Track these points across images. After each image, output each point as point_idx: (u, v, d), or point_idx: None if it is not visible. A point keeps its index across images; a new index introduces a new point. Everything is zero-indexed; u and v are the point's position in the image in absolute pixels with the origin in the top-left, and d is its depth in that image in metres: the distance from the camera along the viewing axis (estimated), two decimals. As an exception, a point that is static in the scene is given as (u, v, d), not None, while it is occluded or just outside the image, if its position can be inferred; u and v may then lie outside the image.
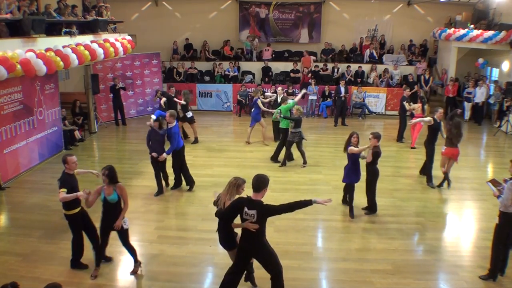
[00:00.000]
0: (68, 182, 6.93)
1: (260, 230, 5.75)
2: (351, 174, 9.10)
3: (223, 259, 7.22)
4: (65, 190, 6.78)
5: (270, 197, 9.96)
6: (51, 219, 8.97)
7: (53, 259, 7.46)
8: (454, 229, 8.82)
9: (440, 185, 10.80)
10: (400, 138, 14.79)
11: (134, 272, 7.08)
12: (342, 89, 17.26)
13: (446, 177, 10.63)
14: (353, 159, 8.98)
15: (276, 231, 8.24)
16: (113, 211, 6.79)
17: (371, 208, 9.33)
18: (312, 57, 19.99)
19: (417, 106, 13.83)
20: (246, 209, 5.71)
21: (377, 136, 8.90)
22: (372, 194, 9.27)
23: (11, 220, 9.40)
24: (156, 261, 7.48)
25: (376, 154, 8.90)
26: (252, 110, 14.35)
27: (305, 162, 12.21)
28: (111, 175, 6.72)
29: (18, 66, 9.50)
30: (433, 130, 10.82)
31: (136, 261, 7.16)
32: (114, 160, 13.19)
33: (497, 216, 6.84)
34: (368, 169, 9.11)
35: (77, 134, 14.55)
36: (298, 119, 11.86)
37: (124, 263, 7.47)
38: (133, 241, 8.13)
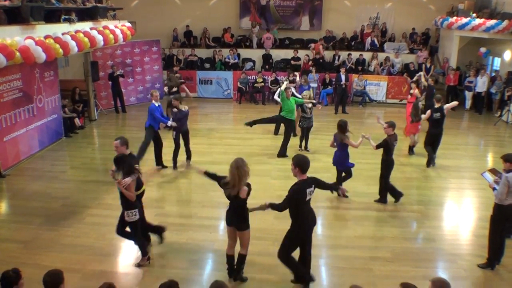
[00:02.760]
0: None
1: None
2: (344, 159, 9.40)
3: (224, 245, 7.23)
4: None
5: (270, 185, 10.03)
6: (51, 206, 9.01)
7: (54, 246, 7.50)
8: (453, 218, 8.85)
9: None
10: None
11: (138, 265, 7.06)
12: (343, 77, 17.22)
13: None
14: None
15: (276, 218, 8.23)
16: None
17: (382, 199, 9.37)
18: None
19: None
20: (309, 189, 5.92)
21: (391, 125, 9.12)
22: (384, 185, 9.31)
23: (12, 207, 9.43)
24: (157, 248, 7.51)
25: (386, 143, 9.00)
26: None
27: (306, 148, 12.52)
28: None
29: (17, 53, 9.44)
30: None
31: (145, 255, 7.08)
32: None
33: (492, 208, 6.89)
34: (383, 160, 9.23)
35: (77, 121, 14.54)
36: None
37: (125, 250, 7.50)
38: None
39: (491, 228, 6.95)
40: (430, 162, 11.40)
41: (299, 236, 6.16)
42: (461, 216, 8.95)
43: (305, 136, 12.51)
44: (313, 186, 5.97)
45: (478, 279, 6.81)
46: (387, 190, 9.31)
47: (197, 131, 14.33)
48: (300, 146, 12.54)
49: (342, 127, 9.19)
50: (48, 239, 7.72)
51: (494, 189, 6.88)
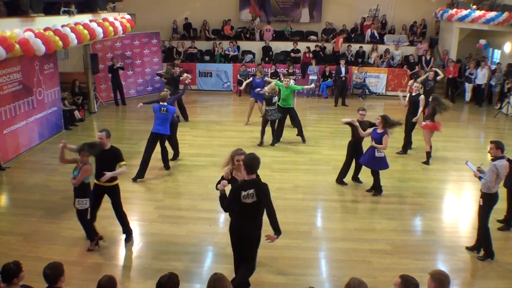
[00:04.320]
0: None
1: (259, 212, 5.68)
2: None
3: (223, 238, 7.26)
4: None
5: (269, 178, 9.96)
6: (51, 199, 9.02)
7: (54, 239, 7.51)
8: (453, 210, 8.87)
9: (426, 163, 11.12)
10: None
11: (89, 250, 7.20)
12: (343, 69, 17.19)
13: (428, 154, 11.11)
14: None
15: (276, 211, 8.25)
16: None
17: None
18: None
19: (411, 83, 13.82)
20: (243, 192, 5.47)
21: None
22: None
23: (12, 200, 9.44)
24: (156, 241, 7.53)
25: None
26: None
27: (261, 143, 12.27)
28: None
29: (17, 45, 9.42)
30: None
31: (93, 240, 7.23)
32: (114, 140, 12.98)
33: (480, 197, 6.99)
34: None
35: (77, 114, 14.53)
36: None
37: (123, 242, 7.52)
38: (133, 220, 8.24)
39: (481, 218, 7.04)
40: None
41: (230, 234, 5.87)
42: (460, 209, 8.97)
43: (263, 129, 12.22)
44: (252, 189, 5.47)
45: (477, 271, 6.85)
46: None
47: (197, 124, 14.35)
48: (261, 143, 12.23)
49: (387, 120, 8.94)
50: (48, 232, 7.73)
51: (480, 178, 6.94)
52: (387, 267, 6.81)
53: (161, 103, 10.15)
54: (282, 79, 12.65)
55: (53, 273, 4.40)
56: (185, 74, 14.27)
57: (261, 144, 12.12)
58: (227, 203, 5.66)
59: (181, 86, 14.69)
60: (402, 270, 5.67)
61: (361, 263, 6.92)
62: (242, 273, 5.85)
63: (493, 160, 6.87)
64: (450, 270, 6.68)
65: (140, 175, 10.00)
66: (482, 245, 7.07)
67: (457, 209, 8.91)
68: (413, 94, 11.64)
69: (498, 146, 6.88)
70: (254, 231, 5.76)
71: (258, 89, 13.01)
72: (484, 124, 15.46)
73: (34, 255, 6.90)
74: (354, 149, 9.63)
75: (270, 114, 11.95)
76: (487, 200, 6.90)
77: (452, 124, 14.30)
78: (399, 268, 6.47)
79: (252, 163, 5.52)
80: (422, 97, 11.34)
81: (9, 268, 4.45)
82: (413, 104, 11.49)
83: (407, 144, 11.84)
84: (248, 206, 5.55)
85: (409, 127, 11.66)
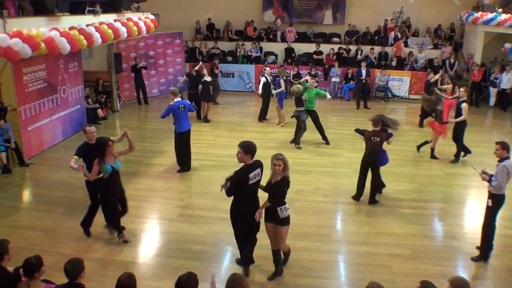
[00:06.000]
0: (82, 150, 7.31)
1: (257, 189, 6.26)
2: None
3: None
4: (76, 157, 7.19)
5: (290, 179, 10.00)
6: (73, 195, 9.12)
7: (75, 235, 7.60)
8: (475, 216, 8.71)
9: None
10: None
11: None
12: (363, 72, 17.07)
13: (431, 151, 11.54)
14: None
15: (296, 213, 8.22)
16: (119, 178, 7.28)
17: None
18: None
19: (450, 87, 13.60)
20: (251, 174, 5.99)
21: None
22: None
23: (35, 196, 9.60)
24: (176, 239, 7.57)
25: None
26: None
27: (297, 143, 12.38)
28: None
29: (42, 44, 9.55)
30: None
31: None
32: (136, 139, 13.25)
33: (488, 198, 6.94)
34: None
35: (100, 112, 14.70)
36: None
37: (145, 240, 7.59)
38: (154, 218, 8.34)
39: (487, 219, 7.01)
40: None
41: (234, 216, 6.30)
42: (483, 215, 8.82)
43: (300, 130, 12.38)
44: (259, 168, 6.11)
45: (499, 279, 6.71)
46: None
47: (218, 124, 14.39)
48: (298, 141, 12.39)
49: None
50: (70, 228, 7.83)
51: (490, 181, 6.83)
52: (407, 272, 6.74)
53: (175, 100, 10.14)
54: (309, 81, 12.61)
55: (74, 268, 4.45)
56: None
57: (298, 146, 12.29)
58: (232, 188, 6.08)
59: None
60: (422, 275, 5.62)
61: (380, 268, 6.86)
62: (249, 247, 6.50)
63: (500, 161, 6.81)
64: (471, 277, 6.62)
65: (185, 167, 10.52)
66: (484, 246, 7.05)
67: (480, 215, 8.73)
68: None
69: (504, 146, 6.87)
70: (256, 210, 6.20)
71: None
72: (508, 129, 15.18)
73: (55, 250, 7.02)
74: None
75: (303, 114, 12.21)
76: (496, 201, 6.86)
77: (476, 129, 14.08)
78: (419, 274, 6.41)
79: (250, 148, 6.01)
80: (464, 105, 11.12)
81: (30, 263, 4.52)
82: (457, 110, 11.33)
83: (464, 150, 11.61)
84: (253, 187, 6.10)
85: (458, 133, 11.40)
